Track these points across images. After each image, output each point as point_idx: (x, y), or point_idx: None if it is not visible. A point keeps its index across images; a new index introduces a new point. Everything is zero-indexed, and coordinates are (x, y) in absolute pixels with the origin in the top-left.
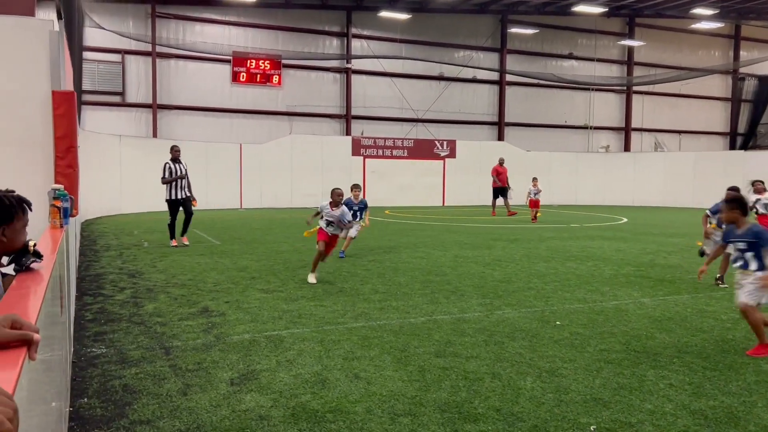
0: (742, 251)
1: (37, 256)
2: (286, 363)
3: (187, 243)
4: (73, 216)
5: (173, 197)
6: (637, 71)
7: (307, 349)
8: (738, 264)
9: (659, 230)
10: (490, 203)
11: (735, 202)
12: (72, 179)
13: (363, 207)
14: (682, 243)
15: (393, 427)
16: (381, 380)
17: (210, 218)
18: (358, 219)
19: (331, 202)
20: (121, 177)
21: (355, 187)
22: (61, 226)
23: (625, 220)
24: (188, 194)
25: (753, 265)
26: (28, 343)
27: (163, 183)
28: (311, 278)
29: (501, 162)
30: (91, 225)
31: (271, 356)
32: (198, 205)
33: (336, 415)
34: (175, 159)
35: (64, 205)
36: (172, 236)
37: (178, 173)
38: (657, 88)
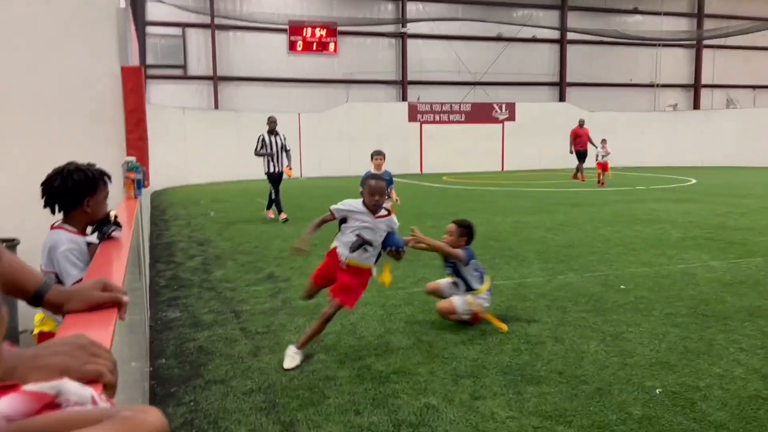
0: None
1: (118, 225)
2: (350, 326)
3: (272, 216)
4: (145, 187)
5: (269, 170)
6: (708, 24)
7: (369, 313)
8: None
9: (730, 191)
10: (553, 167)
11: (465, 227)
12: (143, 152)
13: (387, 181)
14: (754, 204)
15: (455, 388)
16: (442, 343)
17: None
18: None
19: (365, 202)
20: (186, 149)
21: (376, 154)
22: (136, 197)
23: (694, 181)
24: (285, 165)
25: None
26: (119, 305)
27: (256, 155)
28: (288, 361)
29: (581, 123)
30: (160, 196)
31: (336, 320)
32: (293, 175)
33: (400, 376)
34: (272, 131)
35: (137, 177)
36: (272, 207)
37: (273, 146)
38: (729, 41)
